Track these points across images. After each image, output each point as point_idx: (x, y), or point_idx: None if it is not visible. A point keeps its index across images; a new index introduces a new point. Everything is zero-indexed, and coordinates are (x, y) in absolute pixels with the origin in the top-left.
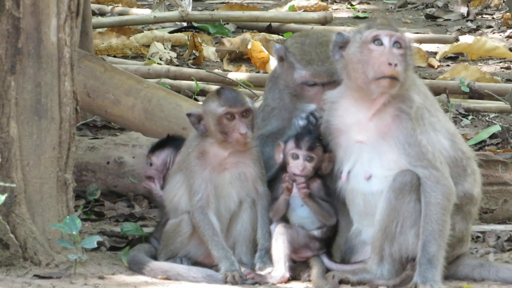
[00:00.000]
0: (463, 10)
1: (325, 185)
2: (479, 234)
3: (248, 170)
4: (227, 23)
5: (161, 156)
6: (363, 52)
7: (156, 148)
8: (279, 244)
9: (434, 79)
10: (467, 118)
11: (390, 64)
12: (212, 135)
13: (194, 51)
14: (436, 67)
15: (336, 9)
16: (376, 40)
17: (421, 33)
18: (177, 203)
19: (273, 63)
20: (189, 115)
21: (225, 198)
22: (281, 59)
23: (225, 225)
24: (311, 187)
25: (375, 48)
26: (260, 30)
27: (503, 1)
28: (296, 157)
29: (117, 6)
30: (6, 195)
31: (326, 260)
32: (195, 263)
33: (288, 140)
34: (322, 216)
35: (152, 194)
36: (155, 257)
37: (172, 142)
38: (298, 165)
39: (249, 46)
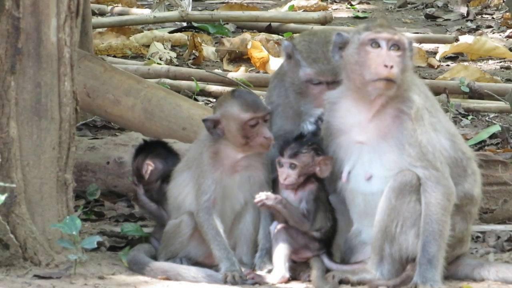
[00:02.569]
0: (463, 10)
1: (320, 190)
2: (479, 234)
3: (257, 174)
4: (227, 23)
5: (134, 164)
6: (360, 54)
7: (134, 154)
8: (279, 245)
9: (434, 79)
10: (467, 118)
11: (385, 66)
12: (231, 139)
13: (194, 51)
14: (436, 67)
15: (336, 9)
16: (373, 42)
17: (421, 33)
18: (181, 202)
19: (273, 63)
20: (205, 120)
21: (231, 199)
22: (288, 56)
23: (228, 226)
24: (303, 190)
25: (371, 50)
26: (260, 30)
27: (503, 1)
28: (281, 165)
29: (117, 6)
30: (6, 195)
31: (326, 260)
32: (195, 263)
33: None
34: (294, 223)
35: (138, 199)
36: (155, 257)
37: (147, 147)
38: (282, 174)
39: (249, 46)
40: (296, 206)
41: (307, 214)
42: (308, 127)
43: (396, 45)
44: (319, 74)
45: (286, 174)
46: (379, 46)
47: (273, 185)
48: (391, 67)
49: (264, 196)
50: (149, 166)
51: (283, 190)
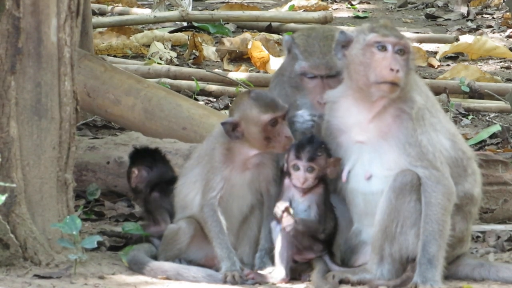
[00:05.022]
0: (463, 9)
1: (327, 190)
2: (479, 234)
3: (267, 171)
4: (227, 23)
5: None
6: (365, 55)
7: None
8: (282, 245)
9: (434, 78)
10: (467, 118)
11: (392, 70)
12: (251, 141)
13: (194, 50)
14: (436, 66)
15: (336, 8)
16: (380, 45)
17: (421, 33)
18: (189, 202)
19: (273, 63)
20: (223, 124)
21: (239, 198)
22: (288, 51)
23: (235, 226)
24: (313, 193)
25: (377, 52)
26: (260, 30)
27: (503, 1)
28: (297, 168)
29: (117, 6)
30: (6, 195)
31: (328, 262)
32: (196, 265)
33: (290, 150)
34: (315, 233)
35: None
36: (155, 257)
37: (138, 155)
38: (300, 177)
39: (249, 46)
40: (305, 209)
41: (319, 218)
42: (302, 125)
43: (402, 49)
44: (313, 67)
45: (304, 178)
46: (385, 49)
47: None
48: (397, 71)
49: (289, 222)
50: (133, 174)
51: (289, 191)
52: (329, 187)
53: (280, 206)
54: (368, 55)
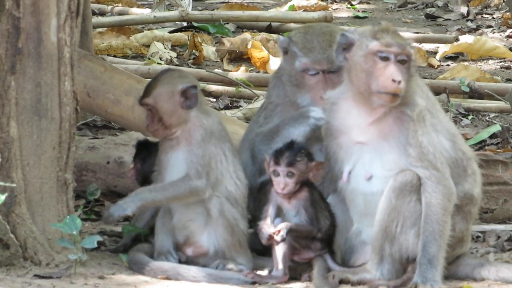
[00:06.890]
0: (463, 9)
1: (312, 193)
2: (479, 234)
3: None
4: (227, 23)
5: None
6: (367, 63)
7: None
8: (280, 244)
9: (434, 79)
10: (467, 118)
11: (394, 81)
12: None
13: (194, 51)
14: (436, 67)
15: (336, 9)
16: (382, 54)
17: (421, 33)
18: None
19: (273, 63)
20: None
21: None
22: (285, 51)
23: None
24: (298, 199)
25: (379, 61)
26: (260, 30)
27: (503, 1)
28: (277, 174)
29: (117, 6)
30: (6, 195)
31: (329, 261)
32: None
33: (270, 157)
34: (308, 234)
35: None
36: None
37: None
38: (280, 183)
39: (249, 46)
40: (294, 215)
41: (310, 221)
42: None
43: (404, 58)
44: (314, 62)
45: (284, 183)
46: (387, 59)
47: (261, 191)
48: (399, 82)
49: (281, 229)
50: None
51: (276, 199)
52: (328, 187)
53: (265, 233)
54: (370, 63)
